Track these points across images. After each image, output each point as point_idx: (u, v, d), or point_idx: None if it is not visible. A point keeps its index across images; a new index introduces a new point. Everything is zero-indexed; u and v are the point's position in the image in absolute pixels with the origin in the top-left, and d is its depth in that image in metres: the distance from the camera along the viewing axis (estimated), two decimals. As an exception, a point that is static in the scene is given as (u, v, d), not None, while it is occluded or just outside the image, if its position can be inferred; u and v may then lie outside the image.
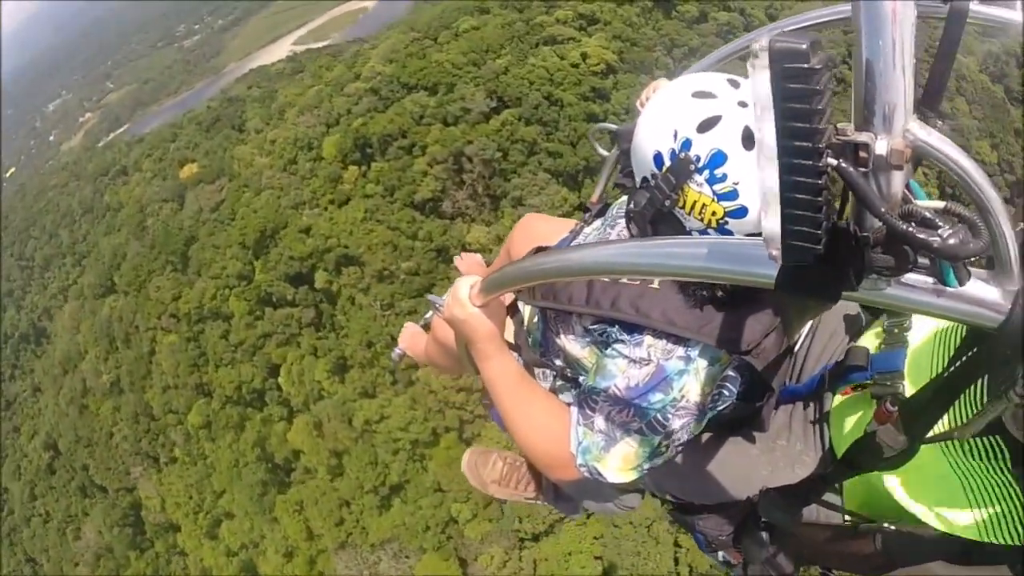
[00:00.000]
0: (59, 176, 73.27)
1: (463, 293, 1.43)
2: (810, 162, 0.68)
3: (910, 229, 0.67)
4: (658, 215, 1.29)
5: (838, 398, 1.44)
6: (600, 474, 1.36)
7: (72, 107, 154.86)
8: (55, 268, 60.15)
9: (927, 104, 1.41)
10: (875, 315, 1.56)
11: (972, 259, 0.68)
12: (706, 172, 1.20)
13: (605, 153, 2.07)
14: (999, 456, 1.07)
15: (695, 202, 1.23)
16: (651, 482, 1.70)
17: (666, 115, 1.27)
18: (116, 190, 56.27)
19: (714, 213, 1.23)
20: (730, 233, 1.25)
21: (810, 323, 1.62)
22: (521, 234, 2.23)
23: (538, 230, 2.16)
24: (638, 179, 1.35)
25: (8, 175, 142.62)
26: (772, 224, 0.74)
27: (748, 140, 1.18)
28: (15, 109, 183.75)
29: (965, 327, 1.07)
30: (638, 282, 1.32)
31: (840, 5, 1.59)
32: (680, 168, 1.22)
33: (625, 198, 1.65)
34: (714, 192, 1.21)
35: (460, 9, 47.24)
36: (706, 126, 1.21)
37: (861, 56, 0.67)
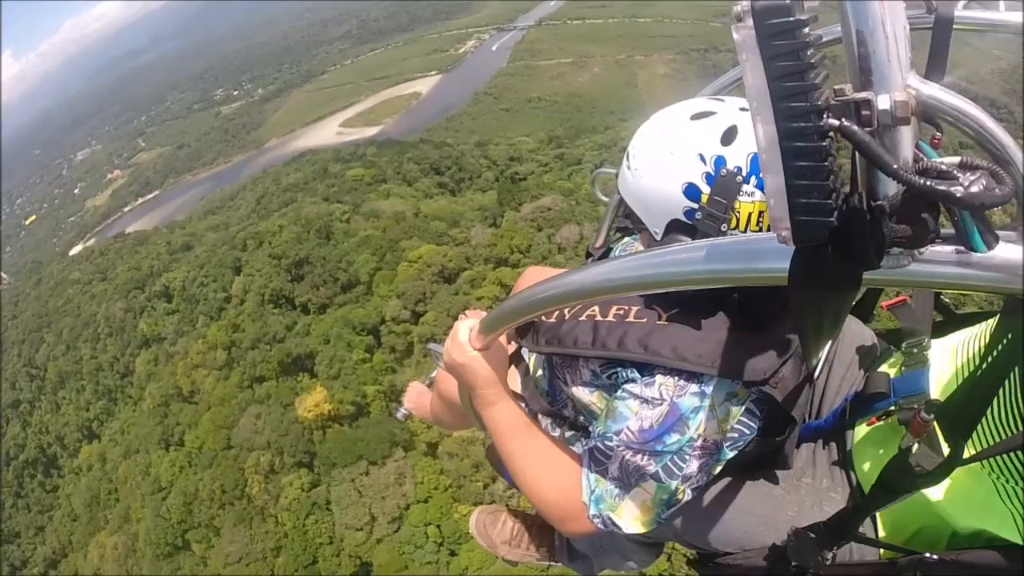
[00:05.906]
0: (82, 268, 66.80)
1: (462, 336, 1.42)
2: (810, 123, 0.62)
3: (929, 183, 0.61)
4: None
5: (862, 429, 1.40)
6: (615, 524, 1.31)
7: (100, 160, 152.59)
8: (70, 389, 52.76)
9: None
10: (892, 344, 1.53)
11: (997, 213, 0.62)
12: (753, 179, 1.17)
13: (605, 199, 2.01)
14: None
15: (750, 213, 1.19)
16: (669, 531, 1.59)
17: (678, 146, 1.22)
18: (155, 321, 49.08)
19: None
20: None
21: (826, 354, 1.55)
22: (524, 284, 2.19)
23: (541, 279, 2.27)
24: (660, 228, 1.27)
25: (28, 223, 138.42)
26: (778, 202, 0.67)
27: None
28: (43, 151, 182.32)
29: (988, 328, 1.05)
30: (644, 319, 1.29)
31: None
32: (726, 185, 1.17)
33: (627, 240, 1.69)
34: None
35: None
36: (728, 137, 1.18)
37: (848, 16, 0.63)
